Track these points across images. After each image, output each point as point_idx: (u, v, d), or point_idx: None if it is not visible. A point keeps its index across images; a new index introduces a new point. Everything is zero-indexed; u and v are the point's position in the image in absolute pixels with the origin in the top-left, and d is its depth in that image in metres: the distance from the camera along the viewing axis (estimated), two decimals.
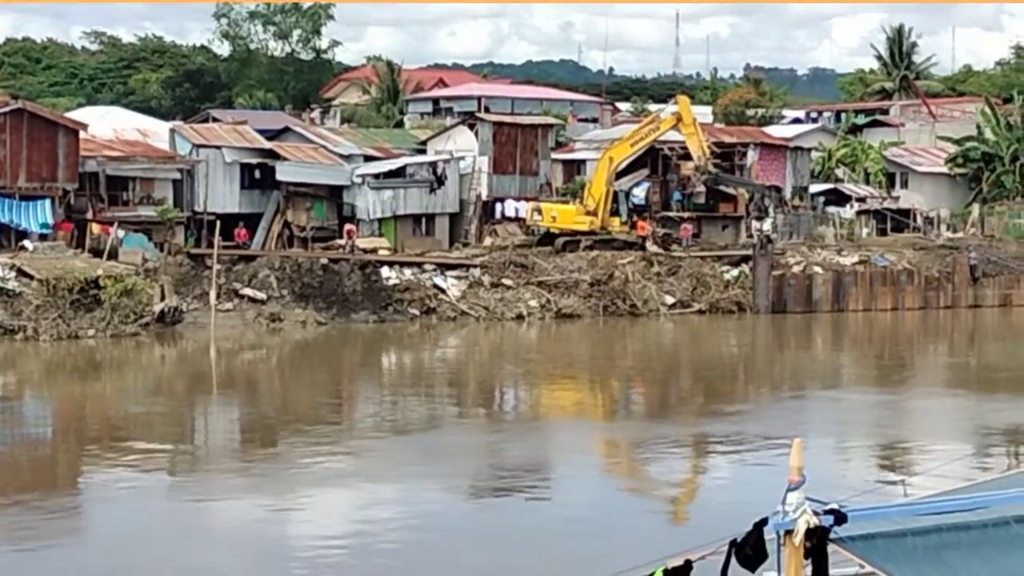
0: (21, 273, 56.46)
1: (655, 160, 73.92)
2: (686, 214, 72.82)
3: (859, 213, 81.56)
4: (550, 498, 33.97)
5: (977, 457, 36.28)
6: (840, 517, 12.49)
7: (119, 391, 49.55)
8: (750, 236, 70.54)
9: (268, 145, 70.83)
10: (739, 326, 66.31)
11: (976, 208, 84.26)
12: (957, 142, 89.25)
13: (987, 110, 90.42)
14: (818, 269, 70.17)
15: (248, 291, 60.78)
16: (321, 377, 52.22)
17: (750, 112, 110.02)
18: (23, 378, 50.99)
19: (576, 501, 33.21)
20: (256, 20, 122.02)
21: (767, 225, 69.53)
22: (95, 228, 62.35)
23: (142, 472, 35.41)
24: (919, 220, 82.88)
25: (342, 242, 66.82)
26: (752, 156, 77.30)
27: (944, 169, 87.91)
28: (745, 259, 69.17)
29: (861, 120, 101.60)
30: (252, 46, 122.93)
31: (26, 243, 59.87)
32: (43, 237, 60.70)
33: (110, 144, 67.77)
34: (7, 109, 61.91)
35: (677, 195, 73.53)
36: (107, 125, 72.73)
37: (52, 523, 30.28)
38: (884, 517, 13.01)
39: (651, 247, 69.52)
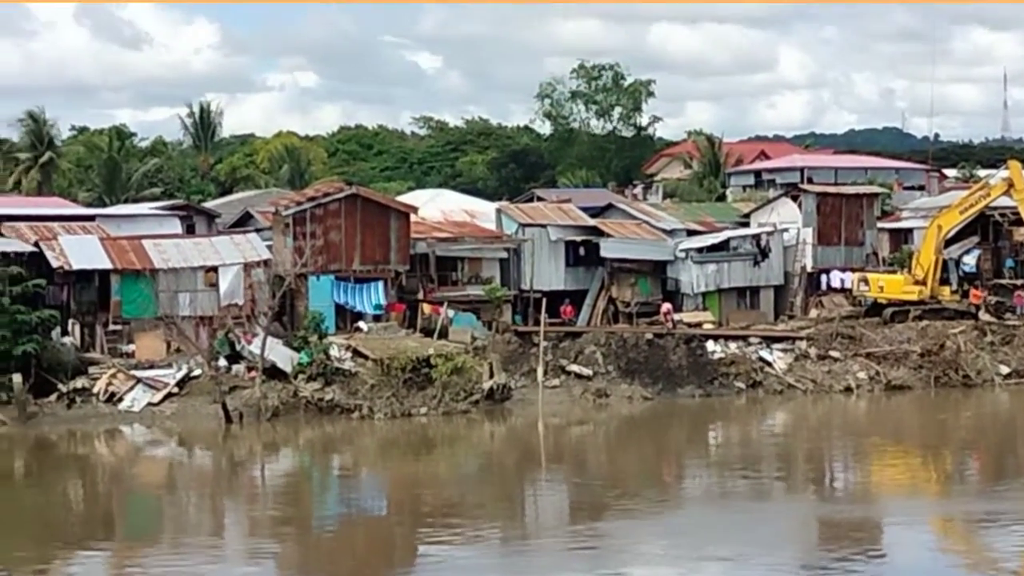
0: (356, 353, 58.33)
1: (985, 226, 72.00)
2: (1019, 281, 70.64)
3: None
4: None
5: None
6: None
7: (451, 468, 50.61)
8: None
9: (592, 222, 71.69)
10: None
11: None
12: None
13: None
14: None
15: (574, 367, 61.39)
16: (648, 452, 52.29)
17: None
18: (360, 456, 52.56)
19: None
20: (578, 99, 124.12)
21: None
22: (426, 308, 64.07)
23: (473, 549, 36.12)
24: None
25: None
26: None
27: None
28: None
29: None
30: (574, 125, 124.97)
31: (361, 324, 61.81)
32: (376, 318, 62.61)
33: (439, 226, 69.58)
34: (343, 195, 64.22)
35: (1010, 262, 71.51)
36: (436, 207, 74.79)
37: None
38: None
39: (984, 316, 67.59)
